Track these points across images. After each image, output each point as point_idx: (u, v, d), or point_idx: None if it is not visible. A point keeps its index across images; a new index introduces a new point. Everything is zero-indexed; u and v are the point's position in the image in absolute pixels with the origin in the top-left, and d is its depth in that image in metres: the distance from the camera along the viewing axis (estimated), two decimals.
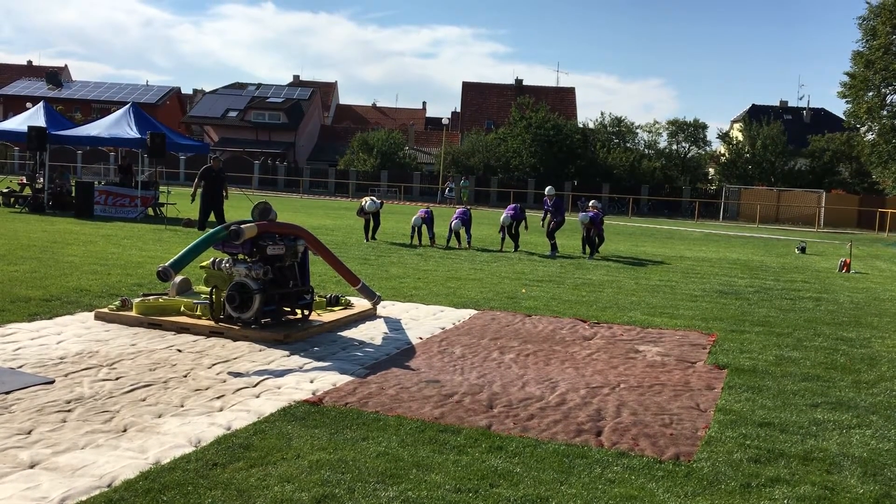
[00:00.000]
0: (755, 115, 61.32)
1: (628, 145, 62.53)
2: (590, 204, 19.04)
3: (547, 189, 19.58)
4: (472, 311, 9.86)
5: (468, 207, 20.05)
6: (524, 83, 72.88)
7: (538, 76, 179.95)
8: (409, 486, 4.20)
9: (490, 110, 69.94)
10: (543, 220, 18.97)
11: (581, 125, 62.49)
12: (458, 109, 72.63)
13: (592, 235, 18.17)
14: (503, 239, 18.64)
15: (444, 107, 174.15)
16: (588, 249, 18.36)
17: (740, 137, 59.36)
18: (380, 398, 5.86)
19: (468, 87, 72.48)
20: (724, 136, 60.96)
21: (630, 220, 43.87)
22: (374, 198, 18.99)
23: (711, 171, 63.39)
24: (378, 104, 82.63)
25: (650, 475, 4.58)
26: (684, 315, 10.44)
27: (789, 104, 72.11)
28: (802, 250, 23.35)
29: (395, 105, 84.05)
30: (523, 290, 11.94)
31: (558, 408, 5.84)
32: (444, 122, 61.57)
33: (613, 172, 57.37)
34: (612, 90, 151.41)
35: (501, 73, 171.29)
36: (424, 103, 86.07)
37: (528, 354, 7.61)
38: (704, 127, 63.35)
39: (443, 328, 8.74)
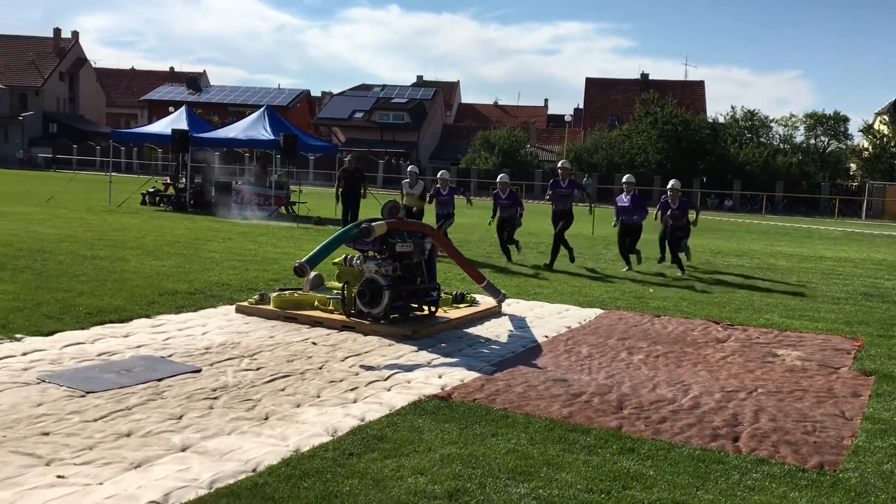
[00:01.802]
0: None
1: (762, 140, 59.90)
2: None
3: (626, 177, 14.84)
4: (598, 311, 9.72)
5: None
6: (650, 78, 71.10)
7: (664, 70, 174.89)
8: (540, 483, 4.19)
9: (614, 106, 68.64)
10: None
11: (710, 120, 60.37)
12: (581, 106, 71.70)
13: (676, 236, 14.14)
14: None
15: (566, 104, 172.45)
16: (667, 253, 14.56)
17: (885, 130, 55.67)
18: (507, 395, 5.88)
19: (591, 83, 71.42)
20: (868, 130, 57.33)
21: (764, 218, 42.05)
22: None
23: (853, 166, 59.81)
24: (500, 102, 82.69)
25: (792, 484, 4.38)
26: (826, 318, 9.91)
27: None
28: None
29: (517, 103, 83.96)
30: (651, 290, 11.66)
31: (692, 411, 5.68)
32: (567, 118, 60.97)
33: (746, 168, 55.08)
34: (744, 83, 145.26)
35: (626, 68, 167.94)
36: (546, 100, 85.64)
37: (657, 356, 7.43)
38: (845, 120, 59.93)
39: (568, 327, 8.67)
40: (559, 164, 14.61)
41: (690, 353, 7.60)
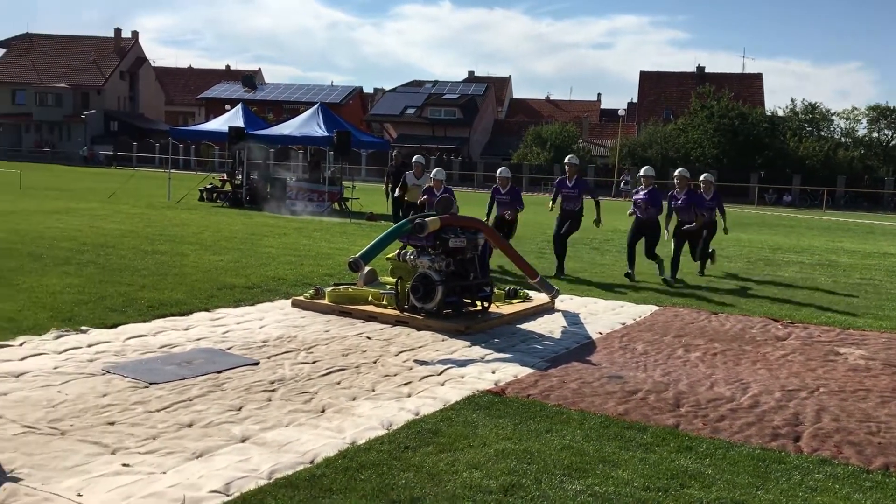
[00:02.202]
0: None
1: (822, 134, 58.32)
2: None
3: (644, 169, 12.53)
4: (654, 307, 9.60)
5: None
6: (706, 70, 69.82)
7: (721, 63, 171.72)
8: (596, 480, 4.17)
9: (669, 100, 67.59)
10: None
11: (769, 113, 59.00)
12: (635, 100, 70.78)
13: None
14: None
15: (619, 98, 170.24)
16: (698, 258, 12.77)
17: None
18: (562, 391, 5.85)
19: (646, 77, 70.45)
20: None
21: (824, 213, 40.99)
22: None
23: None
24: (552, 97, 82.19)
25: (857, 485, 4.28)
26: (890, 316, 9.62)
27: None
28: None
29: (569, 98, 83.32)
30: (708, 287, 11.45)
31: (751, 410, 5.57)
32: (620, 113, 60.26)
33: (805, 163, 53.70)
34: (804, 75, 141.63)
35: (681, 61, 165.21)
36: (599, 95, 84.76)
37: (715, 353, 7.31)
38: None
39: (623, 323, 8.58)
40: (566, 160, 12.65)
41: (749, 351, 7.45)
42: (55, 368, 5.70)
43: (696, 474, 4.32)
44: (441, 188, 12.30)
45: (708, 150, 54.67)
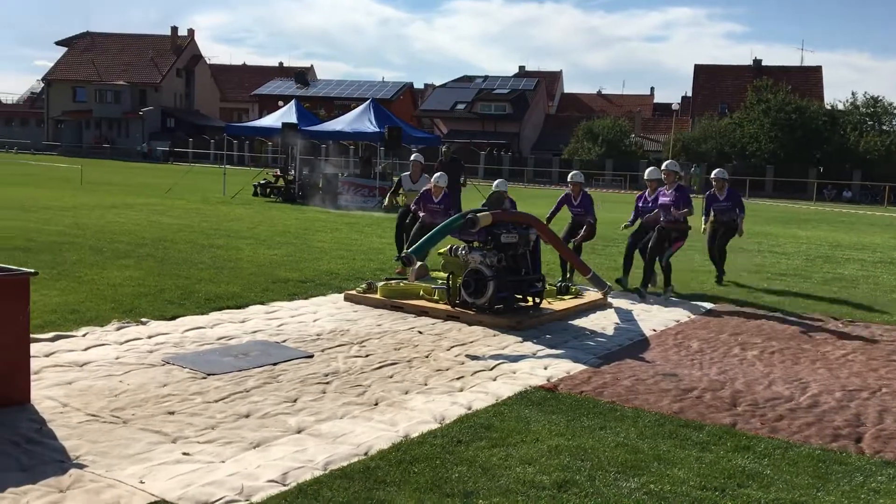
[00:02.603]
0: None
1: (884, 128, 56.57)
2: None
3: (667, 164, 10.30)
4: (709, 305, 9.45)
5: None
6: (763, 64, 68.29)
7: (778, 56, 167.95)
8: (651, 478, 4.12)
9: (724, 93, 66.29)
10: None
11: (828, 107, 57.45)
12: (689, 94, 69.60)
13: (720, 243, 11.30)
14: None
15: (673, 92, 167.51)
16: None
17: None
18: (615, 388, 5.80)
19: (701, 70, 69.20)
20: None
21: (886, 209, 39.79)
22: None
23: None
24: (603, 91, 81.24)
25: None
26: None
27: None
28: None
29: (622, 92, 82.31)
30: (765, 285, 11.23)
31: (810, 410, 5.45)
32: (674, 107, 59.33)
33: (867, 158, 52.16)
34: (865, 68, 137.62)
35: (737, 54, 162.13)
36: (652, 89, 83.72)
37: (773, 352, 7.16)
38: None
39: (677, 321, 8.47)
40: (570, 177, 11.13)
41: (808, 350, 7.29)
42: (117, 359, 5.86)
43: (754, 474, 4.25)
44: (441, 195, 10.55)
45: (764, 145, 53.51)
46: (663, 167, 10.14)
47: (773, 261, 14.15)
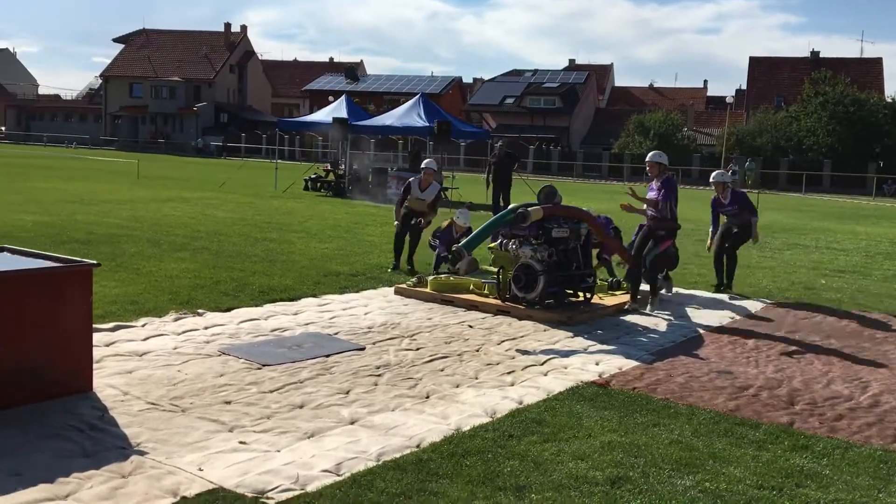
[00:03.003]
0: None
1: None
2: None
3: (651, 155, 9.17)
4: (765, 302, 9.27)
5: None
6: (820, 55, 66.63)
7: (837, 47, 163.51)
8: (707, 476, 4.07)
9: (780, 86, 64.83)
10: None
11: (889, 99, 55.74)
12: (744, 87, 68.23)
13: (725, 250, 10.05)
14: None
15: (727, 85, 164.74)
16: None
17: None
18: (668, 385, 5.73)
19: (755, 63, 67.78)
20: None
21: None
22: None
23: None
24: (655, 85, 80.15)
25: None
26: None
27: None
28: None
29: (674, 85, 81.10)
30: (823, 282, 10.99)
31: (871, 410, 5.32)
32: (728, 100, 58.15)
33: None
34: None
35: (794, 46, 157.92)
36: (705, 82, 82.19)
37: (831, 350, 7.00)
38: None
39: (732, 318, 8.33)
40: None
41: (868, 349, 7.11)
42: (175, 349, 5.99)
43: (812, 474, 4.17)
44: (462, 234, 9.79)
45: (822, 139, 52.17)
46: (647, 158, 9.07)
47: (830, 257, 13.82)
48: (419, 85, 68.45)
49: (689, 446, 4.49)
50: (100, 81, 77.39)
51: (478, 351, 6.50)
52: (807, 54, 67.72)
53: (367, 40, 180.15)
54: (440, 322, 7.49)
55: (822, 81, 54.31)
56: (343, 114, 25.58)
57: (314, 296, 8.29)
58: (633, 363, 6.32)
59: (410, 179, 11.19)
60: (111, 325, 6.46)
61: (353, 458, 4.13)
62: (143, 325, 6.61)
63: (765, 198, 23.97)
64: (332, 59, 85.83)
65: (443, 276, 9.00)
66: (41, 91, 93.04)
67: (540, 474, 4.01)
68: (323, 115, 27.70)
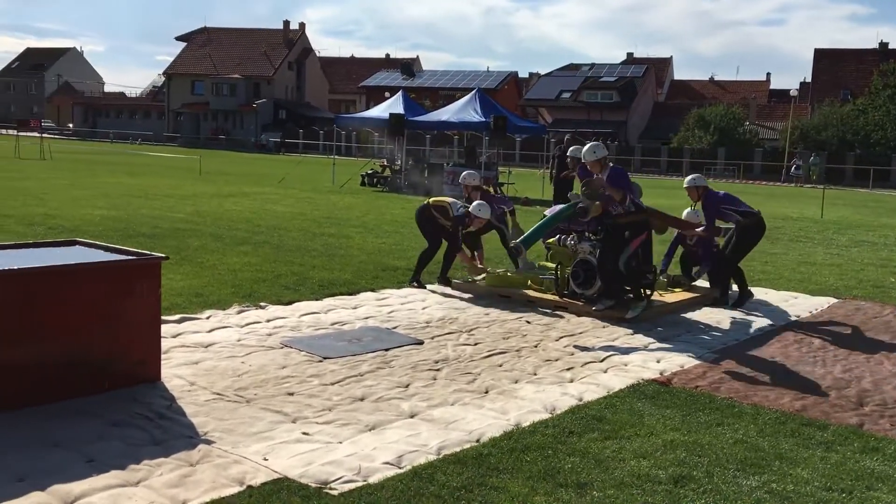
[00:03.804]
0: None
1: None
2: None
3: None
4: (831, 300, 9.02)
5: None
6: (889, 46, 64.43)
7: None
8: (773, 477, 3.99)
9: (847, 79, 62.92)
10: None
11: None
12: (808, 79, 66.42)
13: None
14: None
15: (791, 77, 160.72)
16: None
17: None
18: (732, 384, 5.63)
19: (821, 55, 65.92)
20: None
21: None
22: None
23: None
24: (716, 78, 78.53)
25: None
26: None
27: None
28: None
29: (735, 78, 79.20)
30: (892, 279, 10.64)
31: None
32: (792, 93, 56.70)
33: None
34: None
35: (861, 38, 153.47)
36: (768, 74, 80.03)
37: None
38: None
39: (797, 316, 8.13)
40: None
41: None
42: (238, 341, 6.11)
43: (883, 477, 4.05)
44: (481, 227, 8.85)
45: (890, 133, 50.48)
46: (583, 158, 7.96)
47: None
48: (475, 80, 68.37)
49: (754, 446, 4.40)
50: (163, 79, 79.27)
51: (536, 347, 6.48)
52: (875, 45, 65.60)
53: (423, 36, 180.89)
54: (498, 317, 7.48)
55: (891, 73, 52.54)
56: (399, 109, 25.70)
57: (372, 290, 8.37)
58: (695, 361, 6.22)
59: (456, 215, 8.66)
60: (177, 317, 6.62)
61: (413, 451, 4.15)
62: (207, 318, 6.76)
63: (830, 193, 23.31)
64: (388, 55, 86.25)
65: (500, 270, 8.99)
66: (107, 89, 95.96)
67: (601, 472, 3.98)
68: (379, 111, 27.88)
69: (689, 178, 8.87)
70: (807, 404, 5.21)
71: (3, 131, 57.53)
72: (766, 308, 8.46)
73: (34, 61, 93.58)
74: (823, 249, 13.69)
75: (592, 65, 72.66)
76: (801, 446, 4.44)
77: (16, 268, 4.40)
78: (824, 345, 6.88)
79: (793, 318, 7.99)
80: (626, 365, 6.05)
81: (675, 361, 6.19)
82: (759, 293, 9.27)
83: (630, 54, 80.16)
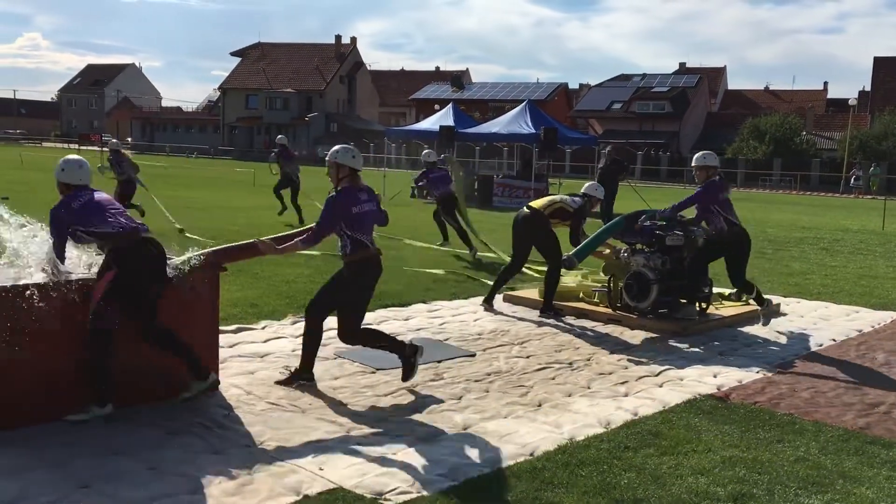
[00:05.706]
0: None
1: None
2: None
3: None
4: (895, 314, 8.75)
5: None
6: None
7: None
8: (836, 496, 3.88)
9: None
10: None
11: None
12: (868, 88, 64.74)
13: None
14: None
15: (849, 86, 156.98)
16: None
17: None
18: (792, 400, 5.50)
19: (881, 63, 64.20)
20: None
21: None
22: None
23: None
24: (771, 87, 77.12)
25: None
26: None
27: None
28: None
29: (791, 87, 77.78)
30: None
31: None
32: (851, 102, 55.34)
33: None
34: None
35: None
36: (826, 83, 78.17)
37: None
38: None
39: (859, 331, 7.90)
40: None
41: None
42: (293, 351, 6.18)
43: None
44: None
45: None
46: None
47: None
48: (524, 91, 68.33)
49: (816, 464, 4.29)
50: (218, 93, 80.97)
51: (589, 360, 6.42)
52: None
53: (472, 48, 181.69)
54: (550, 330, 7.43)
55: None
56: (450, 122, 25.84)
57: (424, 302, 8.39)
58: (753, 376, 6.09)
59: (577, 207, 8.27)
60: (233, 327, 6.73)
61: (467, 463, 4.15)
62: (262, 328, 6.86)
63: (892, 204, 22.67)
64: (437, 67, 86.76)
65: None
66: (164, 104, 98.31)
67: (658, 488, 3.92)
68: (430, 123, 28.06)
69: (700, 154, 8.04)
70: (871, 422, 5.06)
71: (66, 145, 59.34)
72: (826, 322, 8.25)
73: (95, 77, 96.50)
74: (885, 262, 13.30)
75: (644, 75, 71.98)
76: (865, 465, 4.31)
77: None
78: (888, 360, 6.68)
79: (854, 333, 7.78)
80: (681, 379, 5.96)
81: (733, 376, 6.07)
82: (819, 307, 9.06)
83: (682, 64, 79.18)
